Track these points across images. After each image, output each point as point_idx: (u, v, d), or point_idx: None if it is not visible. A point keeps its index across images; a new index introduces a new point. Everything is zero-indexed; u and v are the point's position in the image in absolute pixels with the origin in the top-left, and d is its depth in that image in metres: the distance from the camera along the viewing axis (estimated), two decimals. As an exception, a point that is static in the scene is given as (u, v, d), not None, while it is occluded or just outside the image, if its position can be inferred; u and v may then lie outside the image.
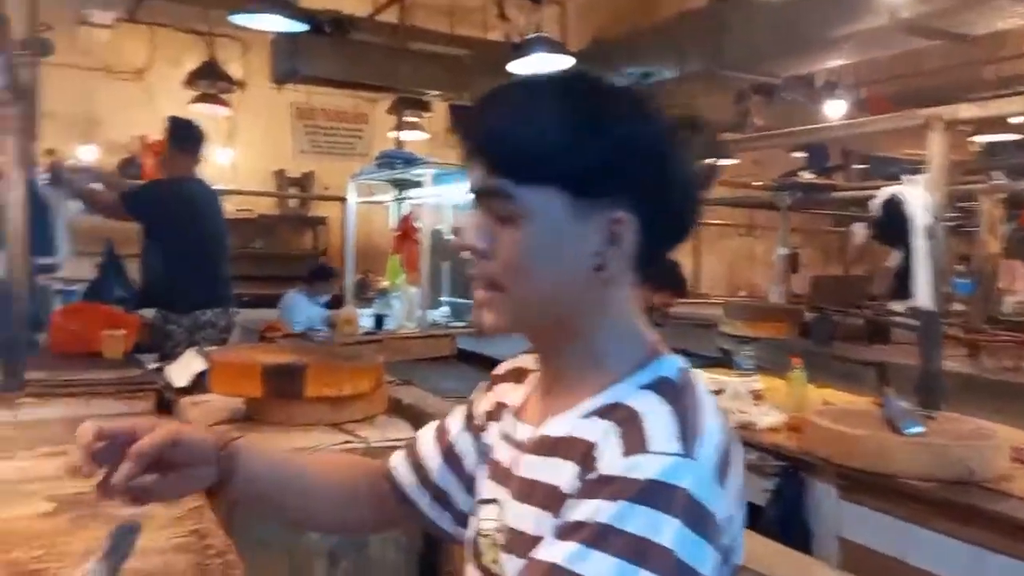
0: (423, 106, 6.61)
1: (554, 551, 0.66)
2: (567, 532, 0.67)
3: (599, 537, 0.65)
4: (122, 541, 0.91)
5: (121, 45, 7.41)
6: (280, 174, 8.46)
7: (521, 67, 4.49)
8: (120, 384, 2.68)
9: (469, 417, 0.98)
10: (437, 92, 5.43)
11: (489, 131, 0.78)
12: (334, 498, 1.00)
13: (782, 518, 2.39)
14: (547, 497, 0.75)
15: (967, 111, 2.99)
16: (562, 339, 0.81)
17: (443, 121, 7.42)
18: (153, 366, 3.10)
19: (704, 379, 0.87)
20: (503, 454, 0.88)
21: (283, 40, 4.74)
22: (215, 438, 0.90)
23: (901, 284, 3.18)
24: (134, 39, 7.49)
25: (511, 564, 0.78)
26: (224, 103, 7.13)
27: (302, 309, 5.68)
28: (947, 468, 2.17)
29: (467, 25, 5.81)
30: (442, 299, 5.94)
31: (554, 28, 5.06)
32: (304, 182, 8.52)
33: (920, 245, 3.00)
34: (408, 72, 5.15)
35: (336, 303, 6.07)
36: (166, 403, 2.67)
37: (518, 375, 0.94)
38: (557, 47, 4.41)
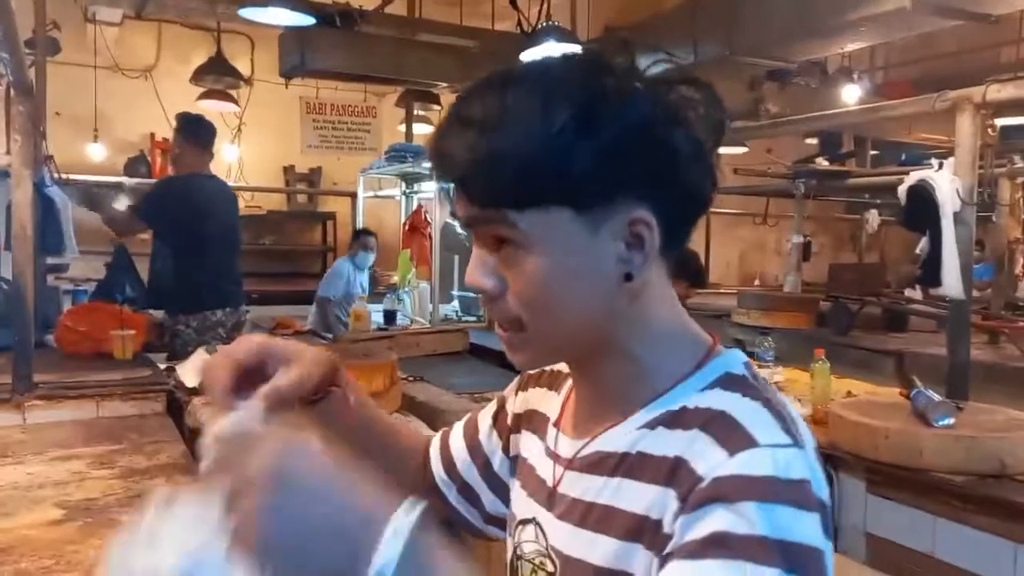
0: (432, 98, 6.55)
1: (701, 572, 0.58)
2: (700, 550, 0.59)
3: (756, 549, 0.57)
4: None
5: (128, 43, 7.39)
6: (289, 170, 8.45)
7: (533, 57, 4.42)
8: (130, 385, 2.66)
9: (499, 417, 0.93)
10: (446, 84, 5.37)
11: (464, 162, 0.66)
12: (398, 465, 0.94)
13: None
14: (622, 524, 0.67)
15: (997, 92, 2.89)
16: (602, 357, 0.73)
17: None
18: (163, 366, 3.09)
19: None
20: (542, 469, 0.81)
21: (291, 34, 4.70)
22: (331, 369, 0.82)
23: (926, 271, 3.10)
24: (142, 36, 7.48)
25: None
26: (232, 99, 7.12)
27: (348, 275, 5.97)
28: (979, 461, 2.13)
29: (477, 16, 5.75)
30: (453, 292, 5.89)
31: (565, 17, 4.99)
32: (313, 178, 8.50)
33: (949, 232, 2.92)
34: (417, 64, 5.08)
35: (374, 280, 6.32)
36: (176, 403, 2.65)
37: (552, 380, 0.87)
38: (568, 36, 4.34)
